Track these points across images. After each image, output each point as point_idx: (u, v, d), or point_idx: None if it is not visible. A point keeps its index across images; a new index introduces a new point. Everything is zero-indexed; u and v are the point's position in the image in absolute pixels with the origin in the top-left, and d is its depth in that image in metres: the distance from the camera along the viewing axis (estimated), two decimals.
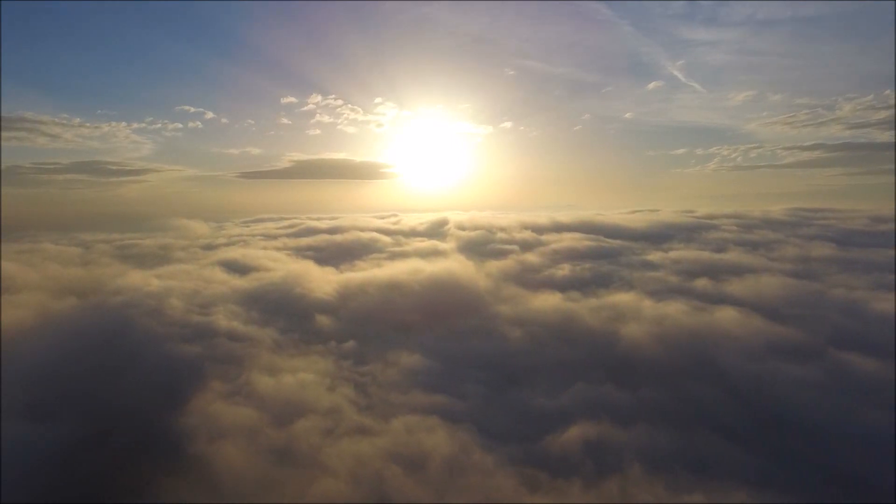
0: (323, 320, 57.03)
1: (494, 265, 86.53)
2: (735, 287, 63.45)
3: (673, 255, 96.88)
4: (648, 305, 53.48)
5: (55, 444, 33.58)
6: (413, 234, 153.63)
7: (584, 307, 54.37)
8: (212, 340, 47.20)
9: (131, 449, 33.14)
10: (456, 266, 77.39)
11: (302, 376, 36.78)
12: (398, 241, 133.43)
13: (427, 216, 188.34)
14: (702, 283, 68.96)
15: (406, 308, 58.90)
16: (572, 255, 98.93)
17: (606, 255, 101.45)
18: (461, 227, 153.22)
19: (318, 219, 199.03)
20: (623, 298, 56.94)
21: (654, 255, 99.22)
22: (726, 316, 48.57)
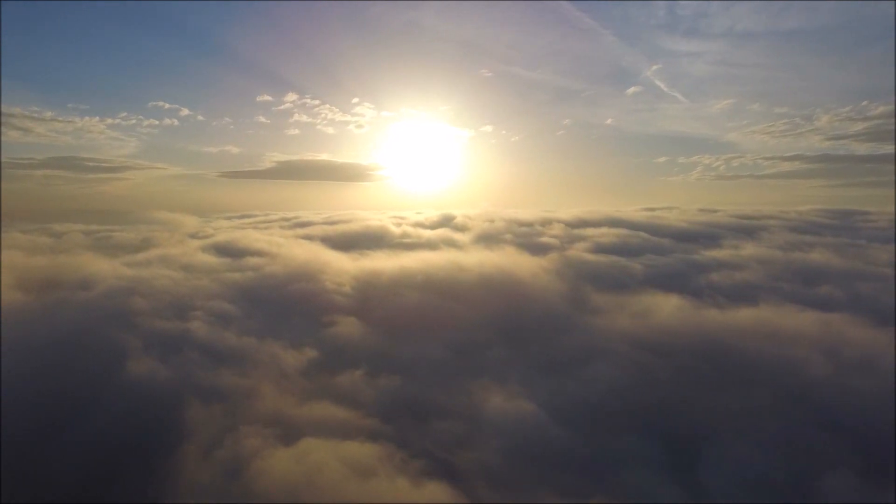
0: (348, 329, 41.09)
1: (541, 261, 70.41)
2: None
3: (748, 254, 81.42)
4: (815, 321, 38.00)
5: None
6: (421, 227, 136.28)
7: (718, 322, 38.73)
8: (191, 363, 31.00)
9: None
10: (508, 261, 61.40)
11: (340, 449, 20.52)
12: (407, 233, 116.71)
13: (427, 213, 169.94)
14: (826, 290, 53.92)
15: (461, 316, 42.95)
16: (629, 251, 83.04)
17: (663, 252, 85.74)
18: (475, 221, 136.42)
19: (312, 214, 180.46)
20: (764, 311, 41.34)
21: (721, 254, 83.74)
22: None
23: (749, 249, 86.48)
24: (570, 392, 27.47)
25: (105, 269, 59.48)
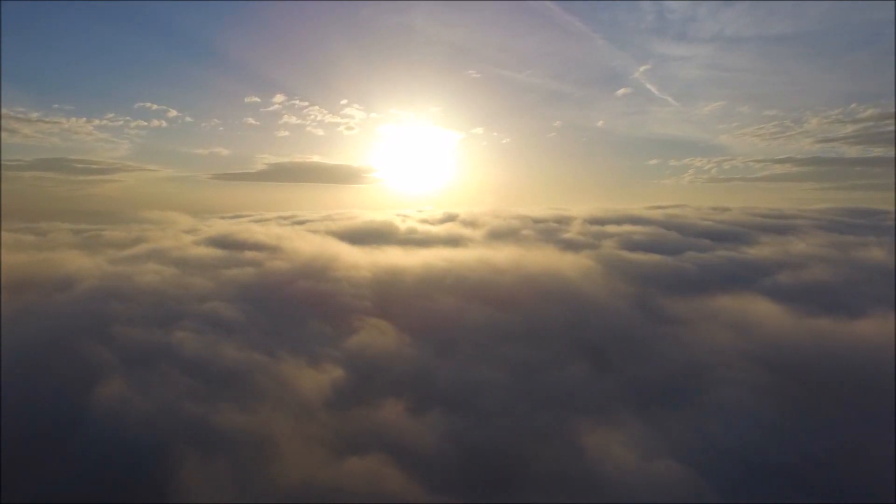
0: (375, 338, 33.25)
1: (580, 259, 62.48)
2: None
3: (799, 253, 73.78)
4: None
5: None
6: (427, 224, 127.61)
7: (845, 335, 31.02)
8: (179, 390, 23.03)
9: None
10: (545, 259, 53.53)
11: None
12: (414, 228, 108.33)
13: (429, 211, 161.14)
14: None
15: (512, 324, 35.11)
16: (667, 250, 75.15)
17: (704, 250, 77.88)
18: (484, 218, 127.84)
19: (308, 213, 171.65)
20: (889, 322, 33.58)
21: (766, 252, 76.07)
22: None
23: (799, 247, 78.91)
24: (709, 435, 19.62)
25: (88, 266, 52.15)
